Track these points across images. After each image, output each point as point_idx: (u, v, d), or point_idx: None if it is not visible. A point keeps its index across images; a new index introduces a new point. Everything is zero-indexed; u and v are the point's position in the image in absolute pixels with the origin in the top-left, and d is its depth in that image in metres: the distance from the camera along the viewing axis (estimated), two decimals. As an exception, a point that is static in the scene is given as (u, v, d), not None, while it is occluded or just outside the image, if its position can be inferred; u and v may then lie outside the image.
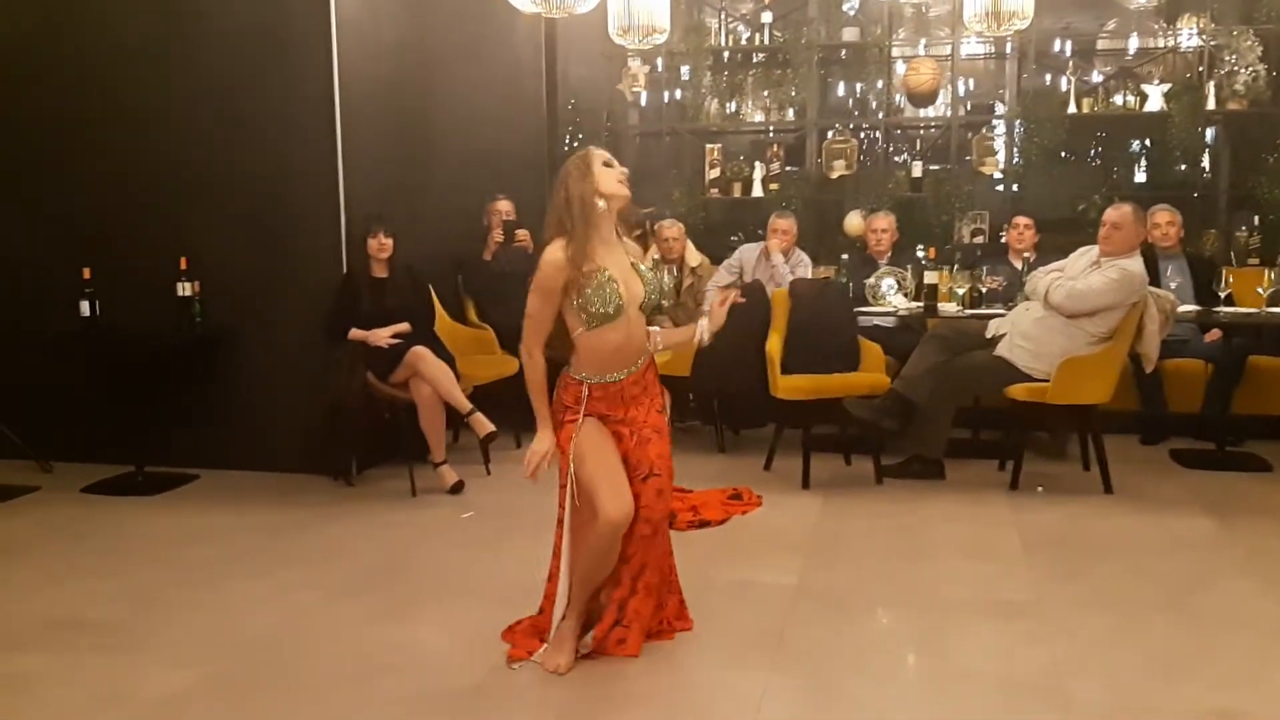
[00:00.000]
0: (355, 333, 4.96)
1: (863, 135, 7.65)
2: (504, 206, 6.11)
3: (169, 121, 5.21)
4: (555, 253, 2.92)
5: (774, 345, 5.17)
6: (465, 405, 4.88)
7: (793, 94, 7.54)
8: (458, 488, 4.93)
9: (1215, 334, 5.68)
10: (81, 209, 5.33)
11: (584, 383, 3.01)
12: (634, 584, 3.10)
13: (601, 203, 2.96)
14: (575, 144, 7.44)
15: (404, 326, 5.04)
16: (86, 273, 5.04)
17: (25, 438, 5.35)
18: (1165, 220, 5.87)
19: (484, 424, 4.86)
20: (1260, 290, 5.47)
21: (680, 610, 3.31)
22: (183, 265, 5.12)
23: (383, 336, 4.95)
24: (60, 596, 3.72)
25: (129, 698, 2.93)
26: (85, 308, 5.03)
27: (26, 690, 2.99)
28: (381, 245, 5.04)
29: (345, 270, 5.09)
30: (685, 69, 7.59)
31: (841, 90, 7.88)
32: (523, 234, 6.06)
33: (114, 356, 5.20)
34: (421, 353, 4.89)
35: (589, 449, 2.98)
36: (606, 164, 3.01)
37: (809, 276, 6.01)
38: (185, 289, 5.13)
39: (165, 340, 5.18)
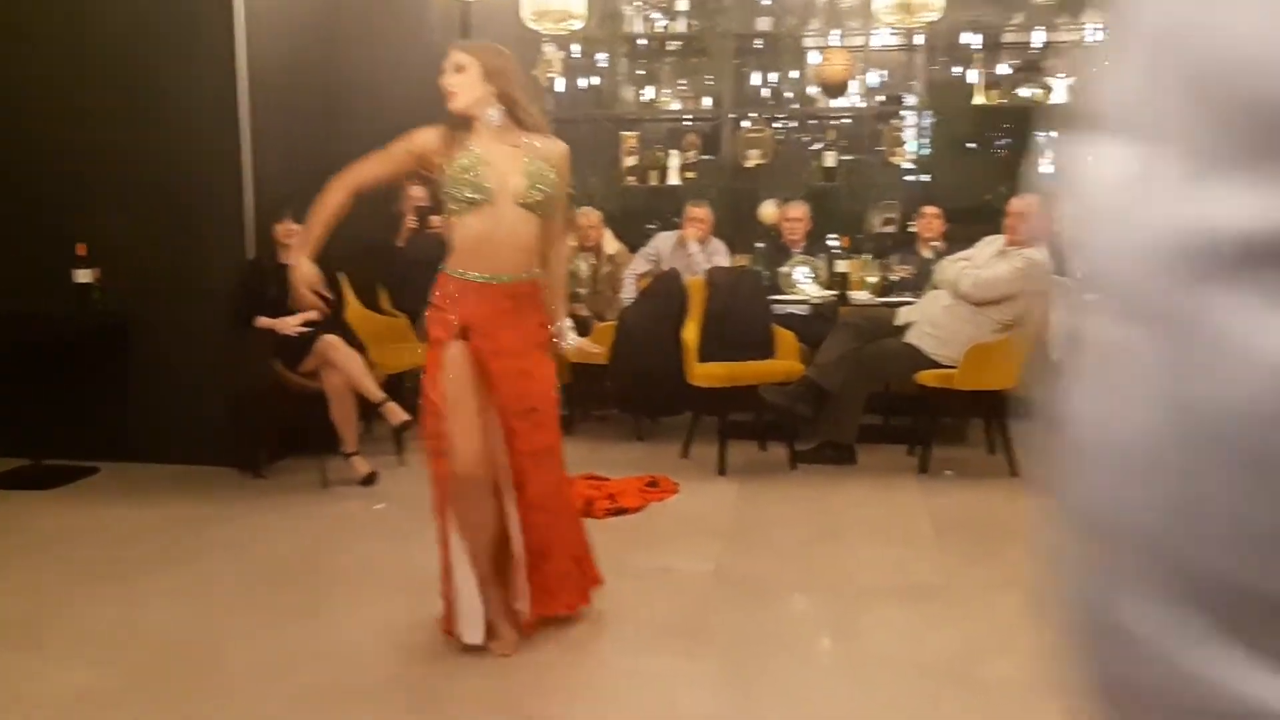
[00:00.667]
0: (263, 320, 4.85)
1: (777, 124, 7.72)
2: (417, 192, 6.02)
3: (66, 104, 5.02)
4: (423, 129, 2.97)
5: (690, 333, 5.19)
6: (378, 395, 4.81)
7: (709, 82, 7.58)
8: (370, 479, 4.86)
9: None
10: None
11: (451, 277, 2.94)
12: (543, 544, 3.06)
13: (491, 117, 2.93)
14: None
15: (313, 314, 4.93)
16: (-23, 259, 4.84)
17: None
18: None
19: (397, 413, 4.79)
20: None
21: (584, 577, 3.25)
22: (81, 251, 4.94)
23: (291, 324, 4.85)
24: (-48, 596, 3.57)
25: (29, 697, 2.82)
26: (-24, 295, 4.84)
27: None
28: (288, 231, 4.93)
29: (252, 256, 4.96)
30: (601, 56, 7.57)
31: (757, 79, 7.93)
32: (436, 220, 5.98)
33: (8, 345, 5.00)
34: (332, 341, 4.80)
35: (452, 386, 2.90)
36: (441, 72, 2.95)
37: (725, 265, 6.05)
38: (84, 276, 4.96)
39: (63, 328, 5.00)
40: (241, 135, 4.90)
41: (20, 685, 2.90)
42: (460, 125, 2.92)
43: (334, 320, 5.02)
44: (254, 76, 4.92)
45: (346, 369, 4.78)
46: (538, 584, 3.05)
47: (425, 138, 2.93)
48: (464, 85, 2.88)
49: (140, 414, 5.14)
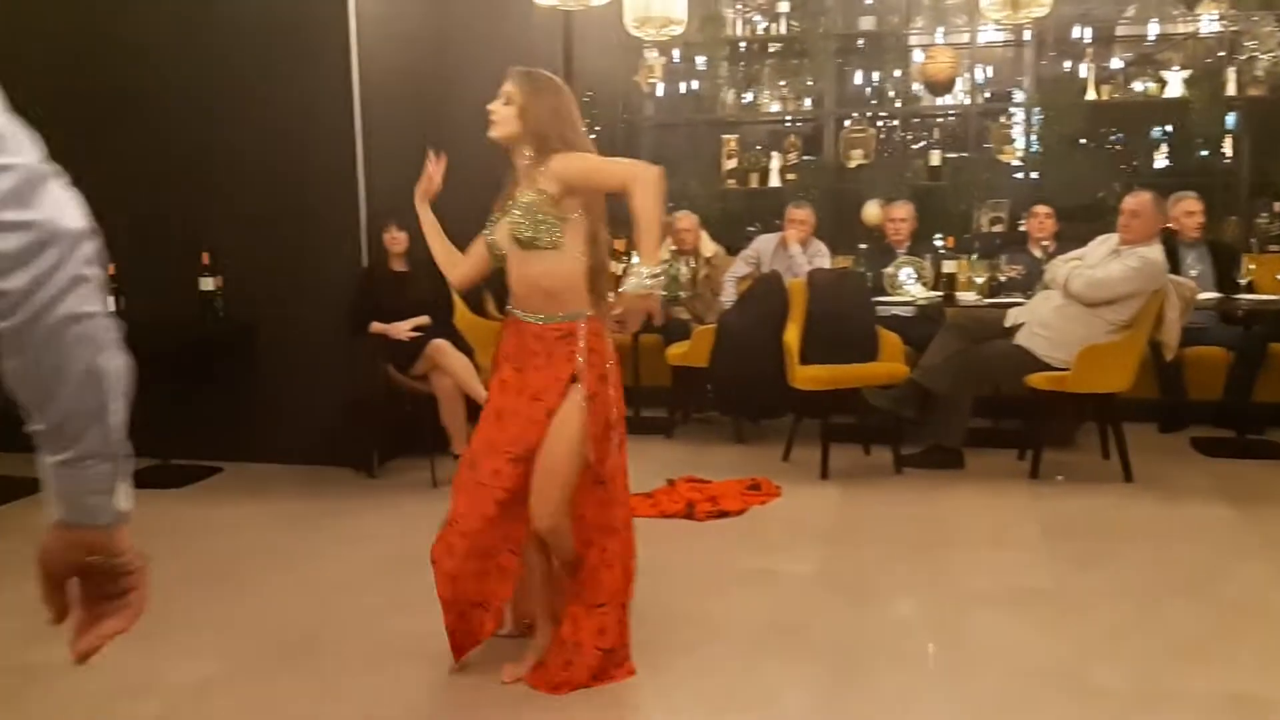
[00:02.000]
0: (376, 326, 5.00)
1: (880, 124, 7.64)
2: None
3: (189, 117, 5.25)
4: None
5: (792, 336, 5.18)
6: (484, 396, 4.90)
7: (810, 83, 7.54)
8: None
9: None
10: (105, 205, 5.31)
11: (506, 310, 2.96)
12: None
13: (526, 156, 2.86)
14: (594, 134, 7.45)
15: (424, 320, 5.07)
16: (111, 268, 5.09)
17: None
18: (1186, 210, 5.84)
19: (503, 416, 4.88)
20: (1280, 277, 5.45)
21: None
22: (205, 260, 5.17)
23: (402, 330, 4.99)
24: (89, 588, 3.76)
25: (152, 687, 2.97)
26: (111, 303, 5.08)
27: (50, 680, 3.03)
28: (394, 239, 5.07)
29: (365, 264, 5.13)
30: (701, 60, 7.59)
31: (859, 79, 7.86)
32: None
33: (139, 351, 5.21)
34: (441, 346, 4.92)
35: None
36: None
37: (827, 267, 6.02)
38: (208, 284, 5.19)
39: (189, 335, 5.24)
40: (355, 147, 5.07)
41: (149, 674, 3.05)
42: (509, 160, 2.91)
43: (444, 325, 5.16)
44: (365, 88, 5.08)
45: (455, 372, 4.89)
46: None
47: (471, 267, 3.08)
48: (504, 117, 2.83)
49: (261, 416, 5.35)
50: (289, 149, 5.16)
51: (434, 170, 3.23)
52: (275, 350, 5.30)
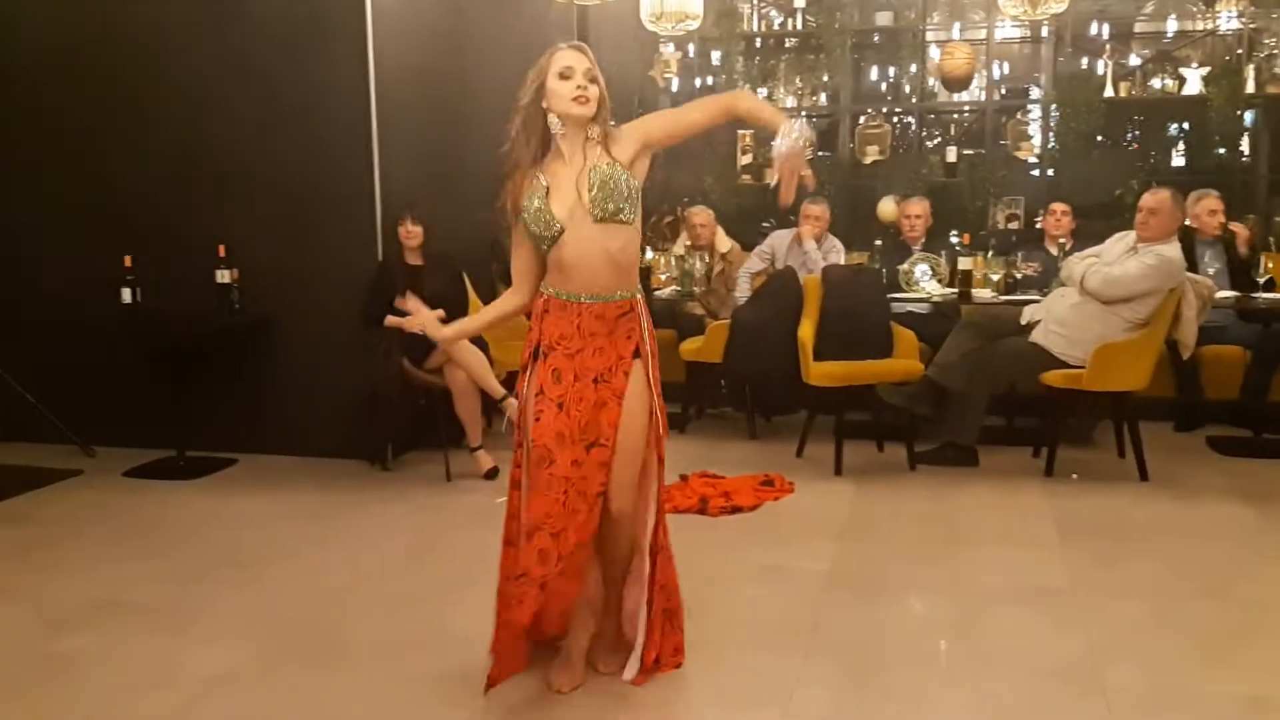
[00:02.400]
0: (391, 320, 5.00)
1: (896, 120, 7.63)
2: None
3: (206, 111, 5.26)
4: (507, 181, 2.74)
5: (806, 332, 5.17)
6: (499, 391, 4.92)
7: (825, 79, 7.53)
8: (492, 473, 4.97)
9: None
10: (122, 198, 5.40)
11: (544, 294, 2.76)
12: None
13: (555, 122, 2.69)
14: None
15: (439, 313, 5.07)
16: (128, 260, 5.12)
17: (68, 423, 5.43)
18: (1215, 207, 5.80)
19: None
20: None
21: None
22: (221, 253, 5.18)
23: (417, 323, 4.98)
24: (104, 578, 3.79)
25: (174, 677, 2.99)
26: (127, 295, 5.11)
27: (73, 670, 3.05)
28: (409, 233, 5.08)
29: (381, 258, 5.13)
30: (717, 55, 7.58)
31: (875, 75, 7.85)
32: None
33: (155, 343, 5.28)
34: (456, 339, 4.92)
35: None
36: (564, 74, 2.64)
37: (842, 263, 6.00)
38: (224, 276, 5.20)
39: (205, 327, 5.25)
40: (371, 141, 5.07)
41: (164, 665, 3.07)
42: (531, 152, 2.72)
43: (459, 318, 5.15)
44: (381, 82, 5.08)
45: (470, 366, 4.90)
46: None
47: (514, 197, 2.74)
48: (596, 100, 2.66)
49: (276, 408, 5.37)
50: (305, 143, 5.17)
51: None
52: (291, 343, 5.32)
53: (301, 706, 2.83)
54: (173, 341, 5.22)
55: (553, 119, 2.69)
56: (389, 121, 5.14)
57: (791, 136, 2.57)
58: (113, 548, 4.14)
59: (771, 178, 2.63)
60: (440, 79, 5.69)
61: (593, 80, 2.65)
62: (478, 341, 5.06)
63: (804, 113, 7.70)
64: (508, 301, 2.92)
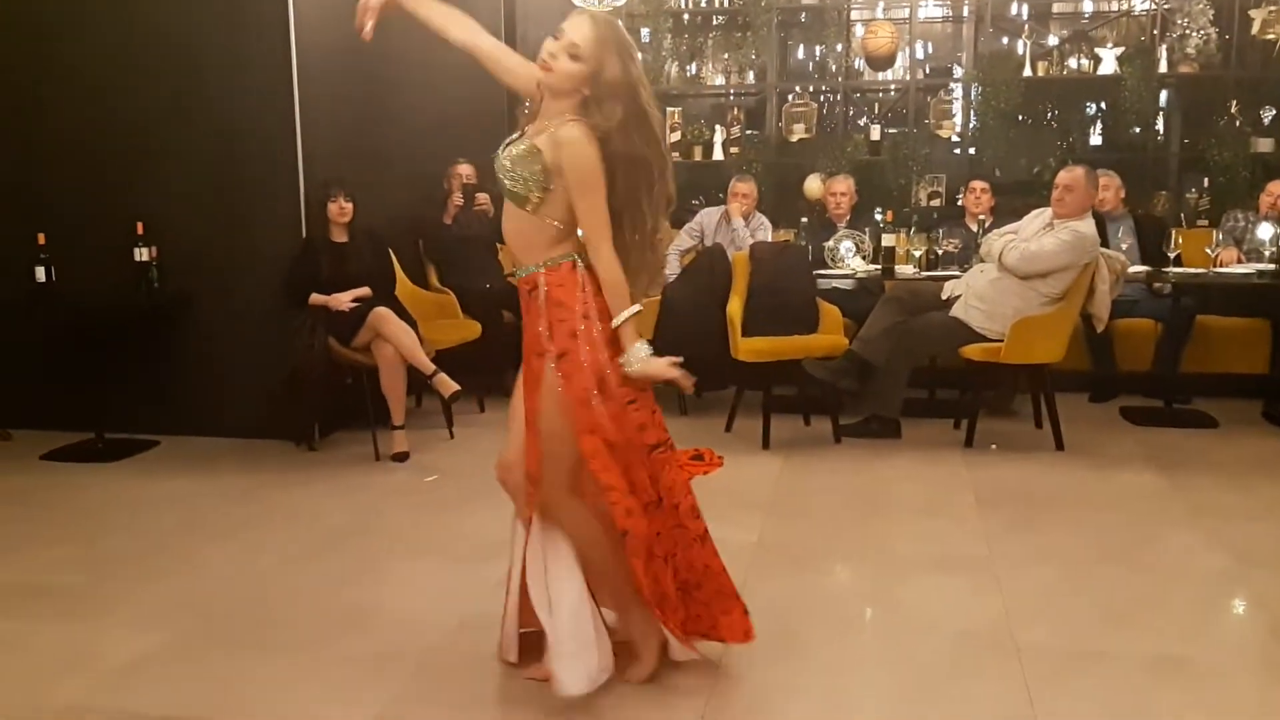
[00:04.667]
0: (316, 297, 4.95)
1: (822, 99, 7.69)
2: (464, 170, 6.09)
3: (123, 84, 5.13)
4: None
5: (734, 308, 5.22)
6: (428, 366, 4.89)
7: (753, 57, 7.56)
8: (401, 456, 4.93)
9: (1161, 286, 5.78)
10: (34, 174, 5.26)
11: None
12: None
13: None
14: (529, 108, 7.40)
15: (365, 291, 5.03)
16: (41, 238, 4.97)
17: (-19, 405, 5.30)
18: (1104, 184, 5.97)
19: (448, 384, 4.87)
20: (1208, 250, 5.60)
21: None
22: (139, 230, 5.07)
23: (343, 301, 4.94)
24: (21, 563, 3.71)
25: (93, 662, 2.94)
26: (40, 273, 4.97)
27: (-13, 655, 2.99)
28: (341, 209, 5.02)
29: (304, 235, 5.06)
30: (645, 32, 7.57)
31: (801, 53, 7.90)
32: (483, 198, 6.06)
33: (70, 323, 5.15)
34: (384, 314, 4.88)
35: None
36: (555, 34, 2.52)
37: (769, 240, 6.07)
38: (142, 254, 5.09)
39: (122, 306, 5.14)
40: (294, 116, 4.98)
41: (83, 651, 3.02)
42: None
43: (385, 297, 5.12)
44: (303, 55, 4.99)
45: (398, 341, 4.86)
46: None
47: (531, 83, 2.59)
48: (566, 75, 2.48)
49: (198, 388, 5.28)
50: (226, 117, 5.06)
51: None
52: (213, 321, 5.22)
53: (228, 689, 2.80)
54: (89, 321, 5.10)
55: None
56: (311, 96, 5.06)
57: (634, 360, 2.55)
58: (30, 532, 4.05)
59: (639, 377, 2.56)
60: (364, 53, 5.50)
61: (573, 56, 2.44)
62: (406, 317, 5.03)
63: (733, 91, 7.74)
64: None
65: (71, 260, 5.05)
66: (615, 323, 2.54)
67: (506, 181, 2.52)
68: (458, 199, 6.02)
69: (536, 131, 2.53)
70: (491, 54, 2.77)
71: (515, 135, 2.59)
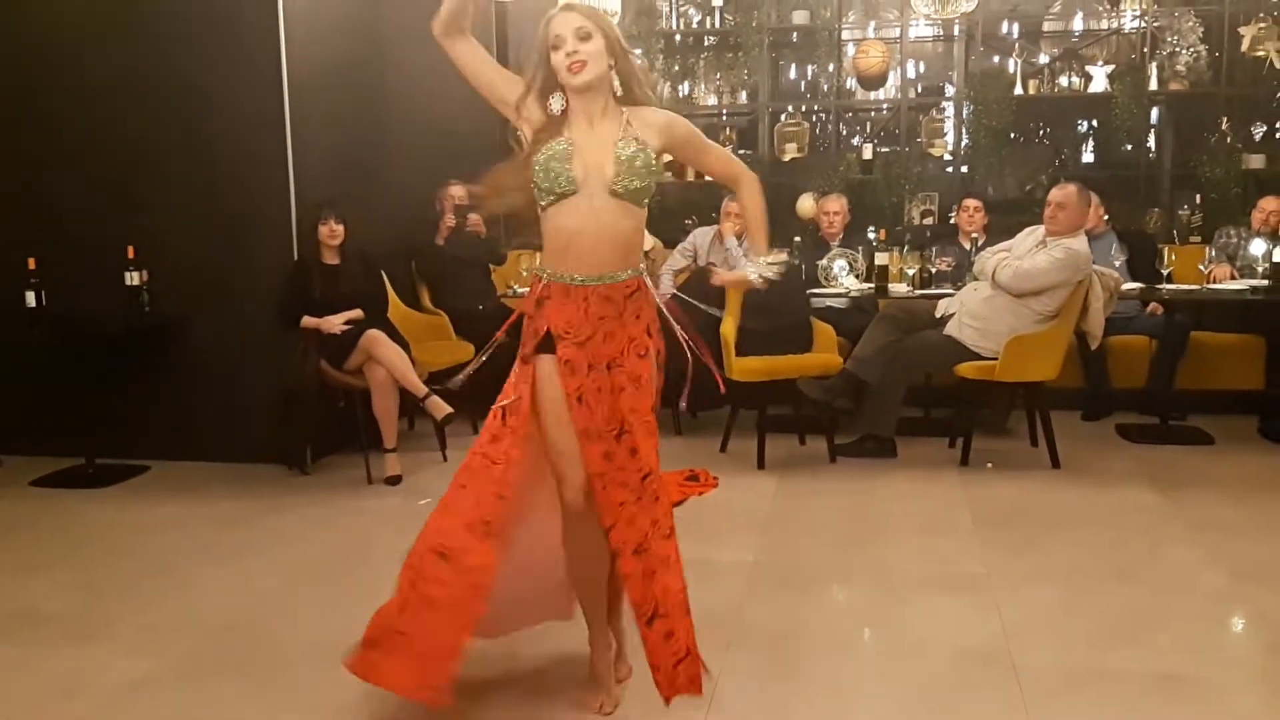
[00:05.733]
0: (308, 320, 4.93)
1: (814, 118, 7.71)
2: (457, 192, 6.08)
3: (116, 108, 5.12)
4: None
5: (728, 328, 5.20)
6: (421, 389, 4.87)
7: (745, 77, 7.58)
8: (394, 480, 4.91)
9: (1156, 308, 5.81)
10: (25, 198, 5.24)
11: (543, 279, 2.58)
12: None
13: (556, 104, 2.54)
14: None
15: (357, 313, 5.01)
16: (32, 262, 4.95)
17: (-29, 431, 5.26)
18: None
19: (441, 406, 4.85)
20: (1201, 267, 5.61)
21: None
22: (130, 254, 5.05)
23: (335, 324, 4.92)
24: (14, 589, 3.68)
25: (89, 687, 2.91)
26: (31, 298, 4.94)
27: (-22, 684, 2.96)
28: (332, 232, 5.00)
29: (296, 257, 5.05)
30: (637, 52, 7.59)
31: (793, 73, 7.93)
32: (475, 219, 6.06)
33: (61, 348, 5.13)
34: (376, 336, 4.86)
35: (551, 406, 2.55)
36: (555, 44, 2.48)
37: (762, 259, 6.05)
38: (133, 278, 5.07)
39: (113, 330, 5.11)
40: (285, 138, 4.97)
41: (76, 677, 2.99)
42: (556, 100, 2.55)
43: (377, 319, 5.10)
44: (294, 79, 4.99)
45: (390, 363, 4.84)
46: (651, 648, 2.61)
47: (520, 93, 2.56)
48: (594, 55, 2.47)
49: (189, 413, 5.24)
50: (217, 141, 5.05)
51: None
52: (204, 346, 5.20)
53: (223, 714, 2.77)
54: (79, 346, 5.08)
55: (554, 99, 2.54)
56: (303, 118, 5.05)
57: (765, 267, 2.67)
58: (22, 558, 4.02)
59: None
60: (356, 76, 5.61)
61: (585, 37, 2.46)
62: (399, 339, 5.01)
63: (724, 111, 7.76)
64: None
65: (62, 284, 5.02)
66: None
67: (637, 182, 2.50)
68: (450, 220, 6.02)
69: (617, 133, 2.52)
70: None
71: (561, 143, 2.50)
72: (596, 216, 2.50)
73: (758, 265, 2.69)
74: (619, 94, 2.55)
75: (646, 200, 2.57)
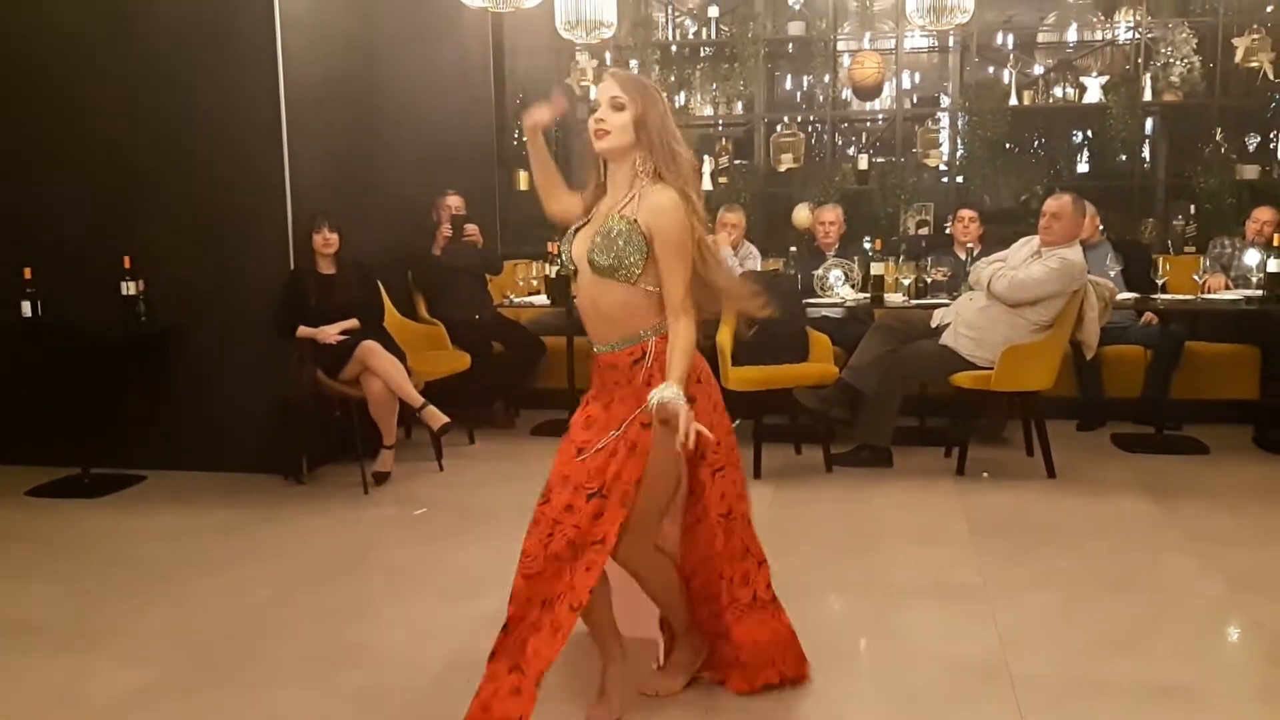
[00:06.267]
0: (303, 330, 4.93)
1: (810, 128, 7.73)
2: (453, 202, 6.09)
3: (111, 117, 5.12)
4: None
5: (724, 337, 5.20)
6: (417, 399, 4.87)
7: (740, 88, 7.60)
8: (381, 477, 4.95)
9: (1150, 318, 5.82)
10: (21, 208, 5.24)
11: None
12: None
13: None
14: (525, 138, 7.44)
15: (353, 323, 5.01)
16: (28, 272, 4.95)
17: (-34, 441, 5.25)
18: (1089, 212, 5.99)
19: (437, 416, 4.86)
20: (1195, 277, 5.62)
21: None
22: (126, 264, 5.05)
23: (331, 333, 4.93)
24: (7, 599, 3.67)
25: (81, 698, 2.90)
26: (27, 308, 4.94)
27: (-28, 695, 2.95)
28: (326, 240, 5.01)
29: (292, 267, 5.05)
30: (633, 63, 7.61)
31: (789, 84, 7.95)
32: (471, 229, 6.06)
33: (56, 357, 5.12)
34: (372, 347, 4.86)
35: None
36: (593, 108, 2.55)
37: (758, 269, 6.07)
38: (129, 288, 5.07)
39: (109, 340, 5.11)
40: (281, 148, 4.98)
41: (71, 687, 2.98)
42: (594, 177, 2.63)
43: (373, 328, 5.10)
44: (291, 90, 5.00)
45: (387, 374, 4.84)
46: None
47: (571, 204, 2.72)
48: (620, 126, 2.50)
49: (185, 423, 5.23)
50: (213, 151, 5.05)
51: (559, 102, 2.76)
52: (200, 355, 5.19)
53: (214, 725, 2.76)
54: (75, 355, 5.07)
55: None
56: (299, 128, 5.06)
57: (665, 394, 2.41)
58: (16, 568, 4.01)
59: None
60: (352, 86, 5.62)
61: (618, 108, 2.50)
62: (395, 350, 5.01)
63: (720, 121, 7.78)
64: (555, 187, 2.78)
65: (58, 294, 5.02)
66: (674, 384, 2.44)
67: (605, 260, 2.49)
68: (446, 230, 6.02)
69: (616, 206, 2.54)
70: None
71: (583, 222, 2.62)
72: (585, 291, 2.59)
73: (658, 391, 2.44)
74: (641, 169, 2.53)
75: (636, 275, 2.49)
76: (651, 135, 2.51)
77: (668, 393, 2.41)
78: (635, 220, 2.49)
